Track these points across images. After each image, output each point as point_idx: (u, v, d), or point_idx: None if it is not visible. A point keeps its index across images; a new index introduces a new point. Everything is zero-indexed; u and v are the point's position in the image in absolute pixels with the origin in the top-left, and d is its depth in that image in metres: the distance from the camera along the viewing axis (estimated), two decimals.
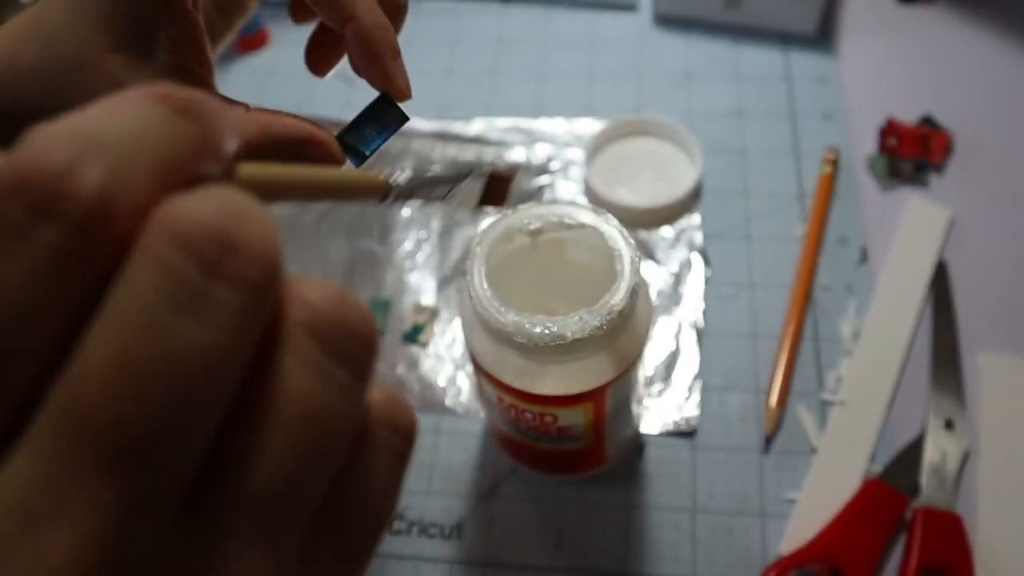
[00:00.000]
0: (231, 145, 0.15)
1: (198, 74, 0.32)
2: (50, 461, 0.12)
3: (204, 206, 0.13)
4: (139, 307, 0.12)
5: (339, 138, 0.30)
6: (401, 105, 0.31)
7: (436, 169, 0.28)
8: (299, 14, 0.35)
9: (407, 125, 0.32)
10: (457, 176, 0.28)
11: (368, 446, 0.17)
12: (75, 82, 0.31)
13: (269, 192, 0.17)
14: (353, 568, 0.17)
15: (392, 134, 0.31)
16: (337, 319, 0.15)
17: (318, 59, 0.35)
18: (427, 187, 0.27)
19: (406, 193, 0.26)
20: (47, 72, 0.32)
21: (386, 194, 0.24)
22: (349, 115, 0.31)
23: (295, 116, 0.30)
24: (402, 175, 0.25)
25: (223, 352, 0.13)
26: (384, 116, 0.30)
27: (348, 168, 0.26)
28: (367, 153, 0.30)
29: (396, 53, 0.30)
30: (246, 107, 0.31)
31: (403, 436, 0.17)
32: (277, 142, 0.29)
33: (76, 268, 0.12)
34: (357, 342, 0.15)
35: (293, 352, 0.14)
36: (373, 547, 0.17)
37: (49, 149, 0.12)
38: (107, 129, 0.13)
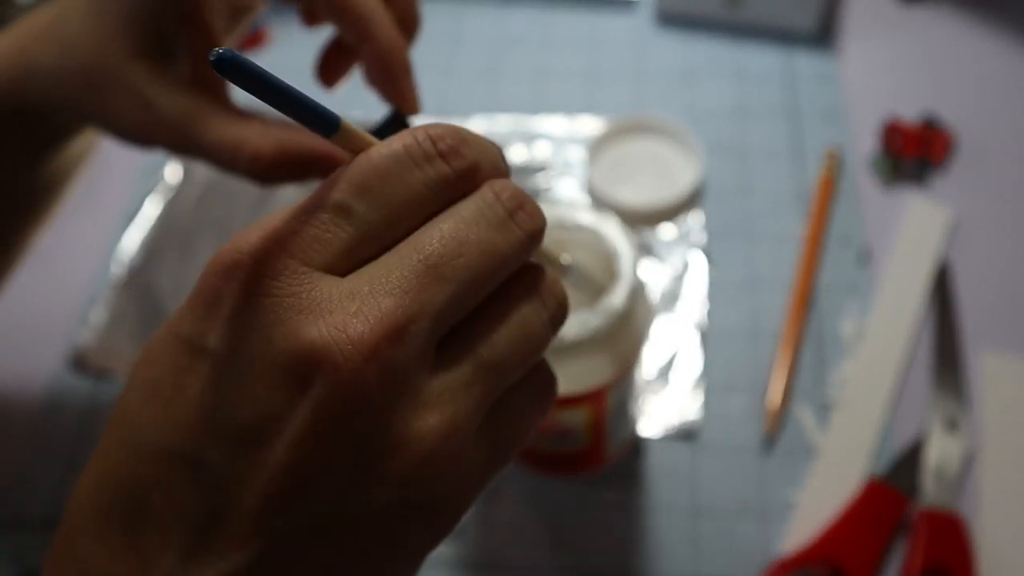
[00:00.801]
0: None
1: (214, 86, 0.33)
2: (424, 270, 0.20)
3: (512, 184, 0.22)
4: (470, 212, 0.21)
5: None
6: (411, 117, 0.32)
7: None
8: (310, 19, 0.35)
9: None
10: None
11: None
12: (93, 87, 0.32)
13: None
14: (535, 417, 0.23)
15: None
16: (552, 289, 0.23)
17: (330, 73, 0.35)
18: None
19: None
20: (65, 75, 0.33)
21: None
22: (347, 113, 0.31)
23: (307, 135, 0.31)
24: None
25: (508, 256, 0.21)
26: (393, 132, 0.31)
27: None
28: None
29: (409, 71, 0.32)
30: (262, 121, 0.32)
31: (561, 306, 0.23)
32: (293, 157, 0.31)
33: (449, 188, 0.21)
34: (560, 299, 0.23)
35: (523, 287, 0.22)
36: (547, 404, 0.24)
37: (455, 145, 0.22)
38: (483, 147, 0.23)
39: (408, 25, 0.33)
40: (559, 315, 0.23)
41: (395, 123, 0.31)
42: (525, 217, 0.21)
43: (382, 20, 0.31)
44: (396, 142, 0.21)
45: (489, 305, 0.21)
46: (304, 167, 0.32)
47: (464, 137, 0.22)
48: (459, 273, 0.20)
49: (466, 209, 0.21)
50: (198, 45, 0.32)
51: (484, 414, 0.21)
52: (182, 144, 0.32)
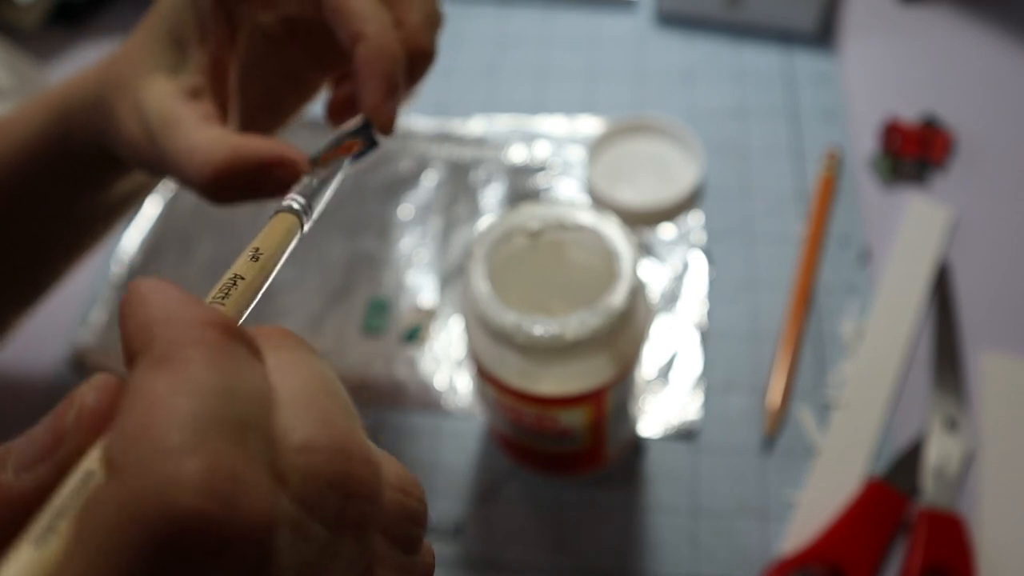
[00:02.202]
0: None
1: (217, 97, 0.31)
2: None
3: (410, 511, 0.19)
4: None
5: (313, 160, 0.29)
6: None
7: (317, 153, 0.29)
8: (335, 116, 0.34)
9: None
10: (336, 142, 0.29)
11: None
12: (108, 102, 0.31)
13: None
14: None
15: (360, 159, 0.29)
16: (402, 510, 0.18)
17: (337, 115, 0.34)
18: (322, 178, 0.27)
19: (314, 193, 0.26)
20: (92, 99, 0.32)
21: (301, 221, 0.25)
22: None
23: (267, 139, 0.29)
24: (296, 195, 0.26)
25: None
26: (358, 140, 0.29)
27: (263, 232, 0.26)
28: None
29: (393, 85, 0.29)
30: (225, 129, 0.30)
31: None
32: (248, 161, 0.28)
33: None
34: (422, 524, 0.19)
35: (381, 564, 0.18)
36: None
37: None
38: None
39: (421, 56, 0.31)
40: None
41: (361, 132, 0.29)
42: (359, 505, 0.16)
43: (375, 17, 0.29)
44: None
45: None
46: (256, 178, 0.28)
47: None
48: None
49: None
50: (208, 48, 0.31)
51: None
52: (156, 156, 0.29)
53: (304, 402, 0.16)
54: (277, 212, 0.25)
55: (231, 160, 0.28)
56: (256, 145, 0.28)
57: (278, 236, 0.23)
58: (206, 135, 0.28)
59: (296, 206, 0.25)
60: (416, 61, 0.30)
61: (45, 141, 0.34)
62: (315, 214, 0.26)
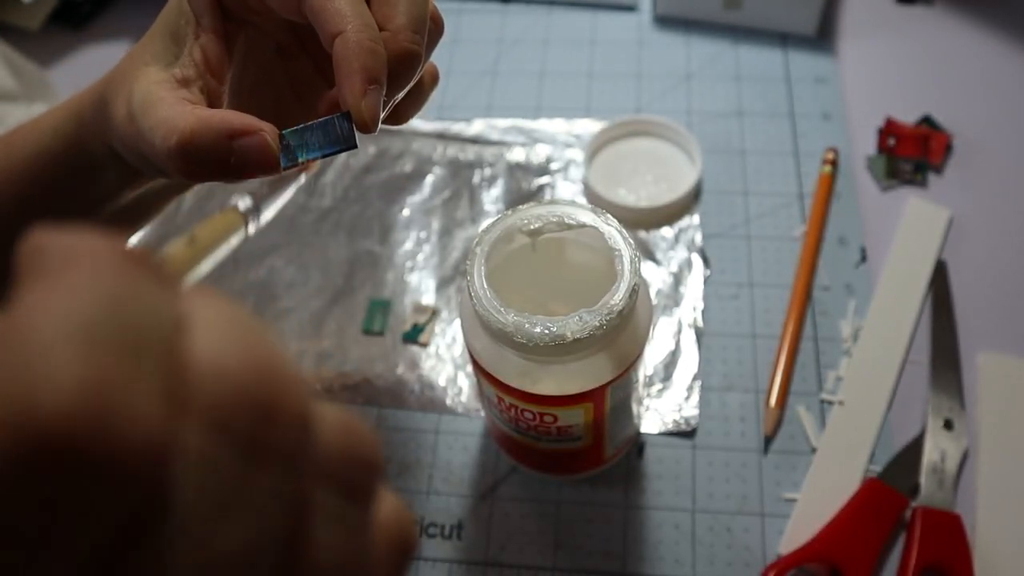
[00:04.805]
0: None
1: (209, 84, 0.32)
2: None
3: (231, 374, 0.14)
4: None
5: (283, 134, 0.29)
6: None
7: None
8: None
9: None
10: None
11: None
12: (108, 96, 0.31)
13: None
14: None
15: (334, 154, 0.29)
16: (345, 448, 0.16)
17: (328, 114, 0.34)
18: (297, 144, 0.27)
19: (264, 199, 0.26)
20: (99, 95, 0.32)
21: (246, 221, 0.25)
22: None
23: (239, 113, 0.28)
24: (247, 194, 0.25)
25: (264, 545, 0.14)
26: (335, 134, 0.29)
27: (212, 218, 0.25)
28: (300, 160, 0.29)
29: (373, 80, 0.28)
30: (197, 107, 0.30)
31: (407, 553, 0.18)
32: (212, 130, 0.28)
33: None
34: (368, 469, 0.16)
35: (319, 511, 0.15)
36: None
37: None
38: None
39: (428, 76, 0.30)
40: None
41: (339, 124, 0.29)
42: (280, 436, 0.14)
43: (355, 16, 0.28)
44: None
45: None
46: (223, 151, 0.27)
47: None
48: None
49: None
50: (201, 43, 0.31)
51: None
52: (134, 136, 0.29)
53: (220, 328, 0.14)
54: (224, 208, 0.24)
55: (196, 129, 0.27)
56: (223, 116, 0.28)
57: (218, 228, 0.23)
58: (178, 110, 0.28)
59: (242, 207, 0.25)
60: (401, 62, 0.30)
61: (64, 141, 0.35)
62: (268, 215, 0.26)
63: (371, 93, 0.28)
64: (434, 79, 0.35)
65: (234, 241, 0.24)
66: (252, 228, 0.25)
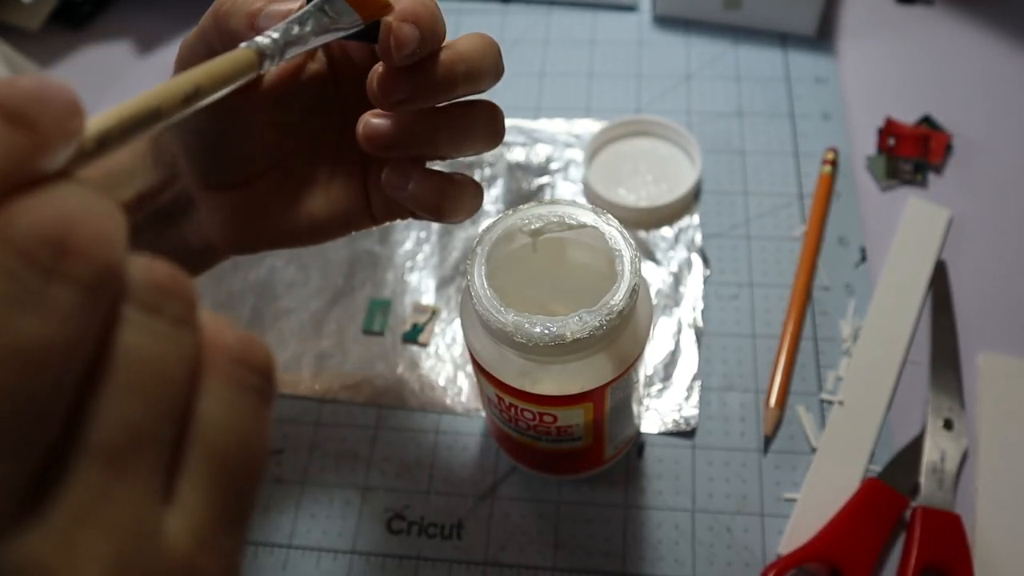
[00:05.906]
0: (68, 140, 0.15)
1: None
2: None
3: (37, 214, 0.14)
4: None
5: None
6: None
7: (296, 15, 0.27)
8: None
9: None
10: (319, 5, 0.27)
11: (220, 383, 0.17)
12: None
13: (130, 130, 0.18)
14: (232, 514, 0.17)
15: (346, 38, 0.27)
16: (150, 280, 0.16)
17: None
18: (298, 34, 0.26)
19: (280, 50, 0.25)
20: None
21: (260, 63, 0.24)
22: None
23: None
24: (266, 38, 0.24)
25: (63, 342, 0.14)
26: (338, 18, 0.27)
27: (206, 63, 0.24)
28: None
29: (418, 20, 0.27)
30: None
31: (259, 373, 0.18)
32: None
33: None
34: (174, 296, 0.17)
35: (125, 322, 0.16)
36: (248, 491, 0.18)
37: None
38: None
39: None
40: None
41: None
42: (76, 261, 0.14)
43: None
44: None
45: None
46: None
47: None
48: None
49: None
50: None
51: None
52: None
53: (54, 191, 0.15)
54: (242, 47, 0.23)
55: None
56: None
57: (217, 62, 0.22)
58: None
59: (264, 42, 0.24)
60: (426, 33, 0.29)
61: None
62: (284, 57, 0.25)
63: (408, 25, 0.28)
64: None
65: (242, 80, 0.23)
66: (265, 66, 0.24)
